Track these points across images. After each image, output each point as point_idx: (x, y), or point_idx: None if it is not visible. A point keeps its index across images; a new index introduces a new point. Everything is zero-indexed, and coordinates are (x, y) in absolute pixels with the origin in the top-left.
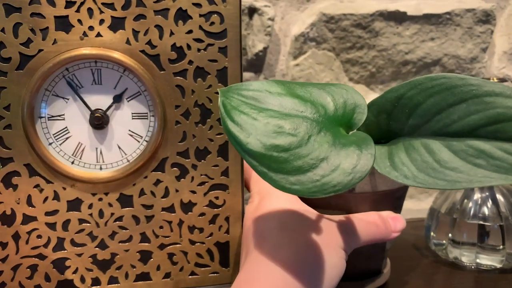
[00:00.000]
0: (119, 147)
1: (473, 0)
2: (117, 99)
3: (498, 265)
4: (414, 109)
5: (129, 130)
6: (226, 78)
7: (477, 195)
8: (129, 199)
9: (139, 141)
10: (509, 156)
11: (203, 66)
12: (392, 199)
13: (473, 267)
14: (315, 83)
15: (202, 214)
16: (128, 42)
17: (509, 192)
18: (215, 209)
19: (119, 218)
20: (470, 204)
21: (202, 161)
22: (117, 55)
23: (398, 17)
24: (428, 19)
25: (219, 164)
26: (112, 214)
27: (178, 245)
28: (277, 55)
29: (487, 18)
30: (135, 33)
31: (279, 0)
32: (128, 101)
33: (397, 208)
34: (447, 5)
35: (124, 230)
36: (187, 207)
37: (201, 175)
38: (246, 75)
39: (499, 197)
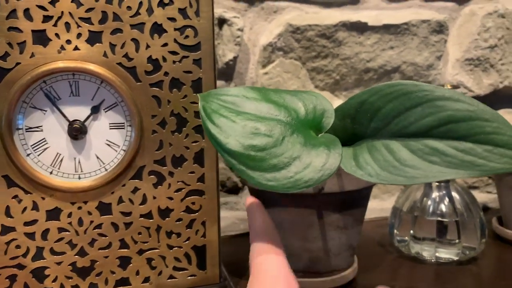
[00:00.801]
0: (97, 157)
1: (428, 12)
2: (95, 110)
3: (455, 258)
4: (375, 113)
5: (107, 140)
6: (201, 88)
7: (435, 193)
8: (108, 207)
9: (116, 150)
10: (459, 153)
11: (179, 77)
12: (358, 198)
13: (433, 260)
14: (287, 90)
15: (179, 219)
16: (105, 55)
17: (463, 190)
18: (192, 214)
19: (99, 226)
20: (429, 202)
21: (179, 168)
22: (94, 67)
23: (360, 28)
24: (388, 29)
25: (195, 170)
26: (92, 222)
27: (156, 250)
28: (246, 64)
29: (440, 28)
30: (112, 46)
31: (247, 11)
32: (105, 111)
33: (362, 207)
34: (405, 16)
35: (103, 237)
36: (165, 213)
37: (178, 181)
38: (217, 83)
39: (454, 194)
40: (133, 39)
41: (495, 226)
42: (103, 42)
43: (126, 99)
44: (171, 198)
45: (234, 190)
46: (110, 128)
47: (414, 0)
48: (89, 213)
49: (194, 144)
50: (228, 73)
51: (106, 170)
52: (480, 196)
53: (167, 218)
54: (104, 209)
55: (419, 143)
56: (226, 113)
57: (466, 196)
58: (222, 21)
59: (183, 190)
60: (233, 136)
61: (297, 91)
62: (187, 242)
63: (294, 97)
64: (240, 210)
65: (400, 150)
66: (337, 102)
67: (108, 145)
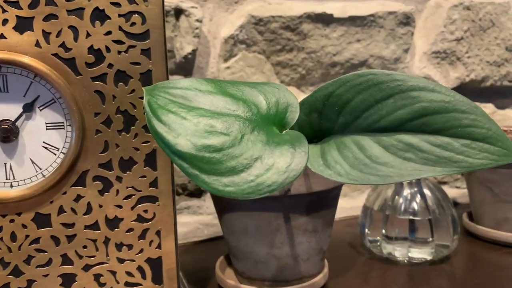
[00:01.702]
0: (32, 161)
1: (394, 3)
2: (28, 108)
3: (428, 257)
4: (343, 106)
5: (44, 142)
6: (151, 82)
7: (406, 191)
8: (46, 218)
9: (55, 154)
10: (436, 148)
11: (125, 70)
12: (327, 199)
13: (405, 261)
14: (246, 82)
15: (130, 230)
16: (37, 44)
17: (435, 186)
18: (145, 223)
19: (36, 240)
20: (401, 200)
21: (128, 172)
22: (26, 59)
23: (325, 19)
24: (354, 21)
25: (146, 174)
26: (27, 236)
27: (105, 265)
28: (207, 58)
29: (407, 20)
30: (46, 34)
31: (206, 1)
32: (40, 110)
33: (332, 207)
34: (371, 7)
35: (41, 253)
36: (113, 223)
37: (127, 187)
38: (175, 78)
39: (426, 192)
40: (71, 27)
41: (466, 222)
42: (35, 30)
43: (64, 95)
44: (120, 206)
45: (197, 193)
46: (47, 129)
47: None
48: (24, 226)
49: (144, 144)
50: (187, 67)
51: (43, 176)
52: (449, 192)
53: (116, 229)
54: (42, 221)
55: (392, 138)
56: (175, 109)
57: (438, 193)
58: (179, 12)
59: (133, 196)
60: (184, 135)
61: (257, 83)
62: (140, 254)
63: (254, 89)
64: (204, 215)
65: (371, 147)
66: (303, 97)
67: (45, 147)
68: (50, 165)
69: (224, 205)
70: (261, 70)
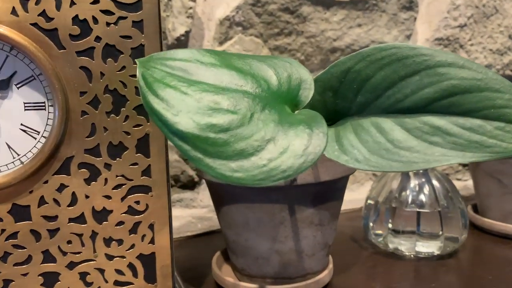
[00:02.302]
0: (9, 146)
1: None
2: (3, 85)
3: (437, 252)
4: (362, 84)
5: (22, 125)
6: None
7: (414, 182)
8: (25, 210)
9: (35, 138)
10: (465, 131)
11: (114, 44)
12: (335, 189)
13: (412, 256)
14: (254, 55)
15: (120, 223)
16: (14, 12)
17: (443, 177)
18: (136, 216)
19: (13, 235)
20: (408, 192)
21: (118, 159)
22: (1, 29)
23: (325, 2)
24: (355, 4)
25: (138, 162)
26: (3, 230)
27: (92, 262)
28: (201, 41)
29: (410, 4)
30: (24, 1)
31: None
32: (18, 88)
33: (339, 199)
34: None
35: (20, 250)
36: (101, 215)
37: (117, 176)
38: None
39: (435, 182)
40: None
41: (471, 214)
42: None
43: (45, 72)
44: (108, 197)
45: (190, 185)
46: (26, 109)
47: None
48: (0, 219)
49: (136, 128)
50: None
51: (21, 163)
52: None
53: (104, 222)
54: (20, 213)
55: (417, 120)
56: (174, 83)
57: (447, 184)
58: None
59: (124, 186)
60: (185, 112)
61: (266, 56)
62: (131, 250)
63: (262, 63)
64: (197, 208)
65: (393, 130)
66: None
67: (24, 130)
68: (30, 151)
69: (223, 196)
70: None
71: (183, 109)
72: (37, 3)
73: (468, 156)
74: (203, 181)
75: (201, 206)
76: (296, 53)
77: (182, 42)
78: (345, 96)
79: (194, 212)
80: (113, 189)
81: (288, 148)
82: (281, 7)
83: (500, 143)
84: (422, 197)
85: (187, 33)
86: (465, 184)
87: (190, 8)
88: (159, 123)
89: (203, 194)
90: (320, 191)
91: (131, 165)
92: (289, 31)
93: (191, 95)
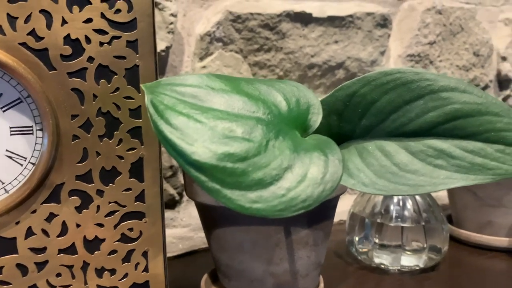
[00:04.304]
0: None
1: (372, 5)
2: None
3: (422, 265)
4: (367, 108)
5: (7, 151)
6: (138, 79)
7: (397, 197)
8: (10, 243)
9: (21, 164)
10: (468, 154)
11: (108, 64)
12: (328, 209)
13: (396, 270)
14: (261, 79)
15: (113, 252)
16: (1, 31)
17: None
18: (129, 244)
19: None
20: (392, 207)
21: (110, 185)
22: None
23: (304, 19)
24: (332, 21)
25: (132, 187)
26: None
27: None
28: (181, 56)
29: (384, 22)
30: (12, 19)
31: None
32: (3, 111)
33: (331, 218)
34: (349, 8)
35: (5, 286)
36: (93, 244)
37: (110, 202)
38: None
39: (417, 197)
40: (43, 11)
41: (447, 226)
42: None
43: (34, 94)
44: (101, 225)
45: (170, 203)
46: (12, 134)
47: None
48: None
49: (130, 152)
50: (159, 65)
51: (6, 191)
52: None
53: (96, 252)
54: (6, 246)
55: (421, 143)
56: (186, 110)
57: (428, 198)
58: None
59: (116, 213)
60: (201, 141)
61: (273, 80)
62: (124, 280)
63: (271, 88)
64: (178, 227)
65: (398, 153)
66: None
67: (9, 157)
68: (15, 178)
69: (216, 219)
70: (238, 71)
71: (198, 138)
72: (26, 21)
73: (471, 179)
74: (184, 199)
75: (182, 225)
76: (275, 69)
77: (162, 58)
78: (350, 120)
79: (175, 232)
80: (105, 216)
81: (306, 176)
82: (261, 23)
83: (501, 165)
84: (406, 212)
85: (167, 48)
86: (436, 194)
87: (171, 23)
88: (174, 153)
89: (184, 213)
90: (315, 211)
91: (124, 190)
92: (268, 47)
93: (205, 123)
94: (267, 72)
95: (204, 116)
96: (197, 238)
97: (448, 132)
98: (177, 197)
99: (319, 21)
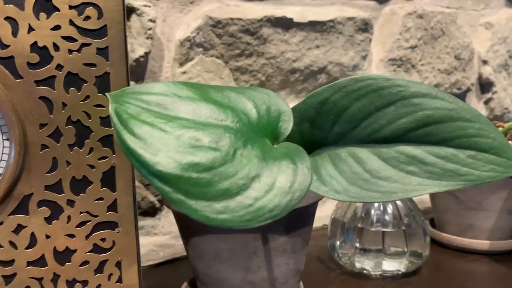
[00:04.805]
0: None
1: (353, 9)
2: None
3: (403, 269)
4: (339, 114)
5: None
6: (109, 87)
7: (377, 202)
8: None
9: None
10: (440, 160)
11: (77, 72)
12: (306, 215)
13: (378, 275)
14: (231, 87)
15: (85, 263)
16: None
17: None
18: (102, 254)
19: None
20: (373, 212)
21: (82, 194)
22: None
23: (285, 24)
24: (313, 26)
25: (104, 196)
26: None
27: None
28: (160, 62)
29: (366, 26)
30: None
31: (159, 0)
32: None
33: (310, 225)
34: (330, 13)
35: None
36: (64, 256)
37: (81, 213)
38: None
39: (398, 202)
40: (8, 18)
41: (430, 230)
42: None
43: (0, 103)
44: (72, 236)
45: (151, 211)
46: None
47: None
48: None
49: (101, 161)
50: (138, 72)
51: None
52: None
53: (67, 263)
54: None
55: (393, 150)
56: (151, 119)
57: (409, 202)
58: (130, 10)
59: (88, 223)
60: (165, 151)
61: (244, 88)
62: None
63: (241, 95)
64: (159, 235)
65: (370, 159)
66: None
67: None
68: None
69: (192, 227)
70: (219, 76)
71: (162, 148)
72: None
73: (443, 185)
74: (165, 207)
75: (163, 233)
76: (257, 74)
77: (141, 64)
78: (322, 127)
79: (155, 240)
80: (76, 227)
81: (274, 185)
82: (242, 28)
83: (472, 171)
84: (386, 217)
85: (146, 54)
86: (420, 198)
87: (150, 29)
88: (137, 163)
89: (165, 221)
90: (293, 218)
91: (96, 200)
92: (250, 52)
93: (170, 132)
94: (249, 77)
95: (169, 125)
96: (179, 245)
97: (420, 138)
98: (158, 205)
99: (300, 26)
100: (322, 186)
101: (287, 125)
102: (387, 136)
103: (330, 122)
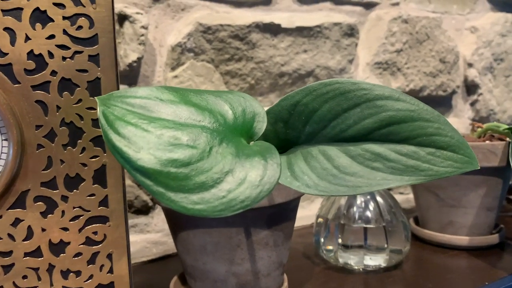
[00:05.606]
0: None
1: (339, 15)
2: None
3: (383, 264)
4: (310, 116)
5: None
6: (100, 91)
7: (360, 199)
8: None
9: None
10: (402, 157)
11: (70, 77)
12: (288, 211)
13: (361, 269)
14: (210, 90)
15: (78, 254)
16: None
17: (386, 193)
18: (94, 246)
19: None
20: (355, 209)
21: (75, 191)
22: None
23: (273, 29)
24: (301, 31)
25: (95, 192)
26: None
27: None
28: (153, 66)
29: (351, 31)
30: None
31: (152, 8)
32: None
33: (292, 220)
34: (317, 18)
35: None
36: (58, 248)
37: (74, 207)
38: (120, 87)
39: (379, 199)
40: (7, 29)
41: (413, 227)
42: None
43: None
44: (66, 229)
45: (144, 210)
46: None
47: (325, 3)
48: None
49: (93, 160)
50: (131, 76)
51: None
52: None
53: (62, 254)
54: None
55: (359, 147)
56: (135, 120)
57: (390, 200)
58: (123, 18)
59: (81, 217)
60: (146, 149)
61: (222, 92)
62: (89, 281)
63: (218, 98)
64: (152, 233)
65: (338, 157)
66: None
67: None
68: None
69: (180, 222)
70: (210, 80)
71: (144, 146)
72: None
73: (405, 180)
74: (157, 205)
75: (156, 230)
76: (247, 78)
77: (134, 68)
78: (295, 127)
79: (148, 237)
80: (70, 220)
81: (246, 179)
82: (231, 34)
83: (432, 167)
84: (368, 213)
85: (139, 59)
86: (407, 197)
87: (142, 35)
88: (121, 160)
89: (158, 219)
90: (274, 213)
91: (88, 196)
92: (239, 57)
93: (151, 132)
94: (239, 80)
95: (151, 125)
96: (171, 242)
97: (384, 137)
98: (151, 203)
99: (288, 31)
100: (294, 181)
101: (261, 126)
102: (354, 135)
103: (302, 123)
